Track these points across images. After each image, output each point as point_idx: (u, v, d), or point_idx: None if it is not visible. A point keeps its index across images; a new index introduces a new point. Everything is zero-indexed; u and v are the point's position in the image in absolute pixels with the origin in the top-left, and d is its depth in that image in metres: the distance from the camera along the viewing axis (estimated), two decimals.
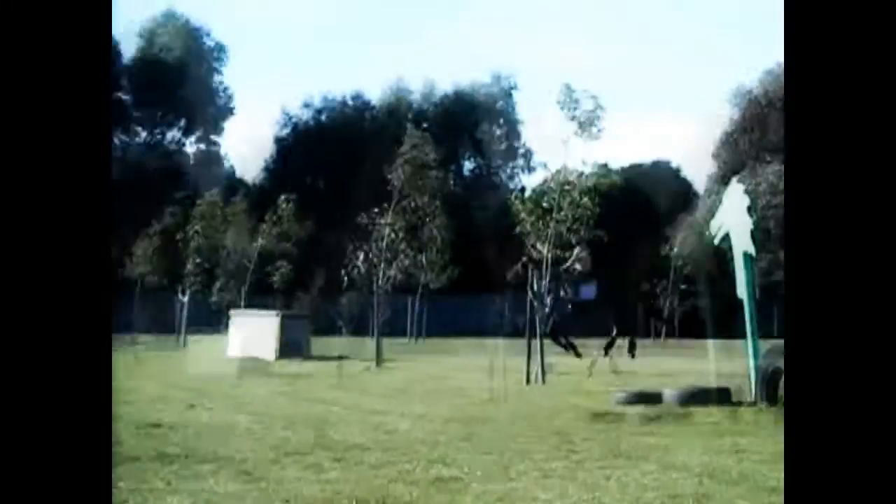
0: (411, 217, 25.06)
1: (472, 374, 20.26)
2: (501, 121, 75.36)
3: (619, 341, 25.65)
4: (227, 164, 75.84)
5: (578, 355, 23.51)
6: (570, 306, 25.24)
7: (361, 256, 25.13)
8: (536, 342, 18.14)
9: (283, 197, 38.66)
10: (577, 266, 23.30)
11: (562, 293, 24.04)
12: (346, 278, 27.42)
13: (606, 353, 24.26)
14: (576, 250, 23.95)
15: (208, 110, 74.31)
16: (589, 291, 25.16)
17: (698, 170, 69.59)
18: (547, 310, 20.79)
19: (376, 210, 24.81)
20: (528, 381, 17.61)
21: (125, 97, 73.89)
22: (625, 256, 54.45)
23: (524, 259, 24.52)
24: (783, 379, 12.68)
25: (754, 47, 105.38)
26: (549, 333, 23.87)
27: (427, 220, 25.50)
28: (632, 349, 25.40)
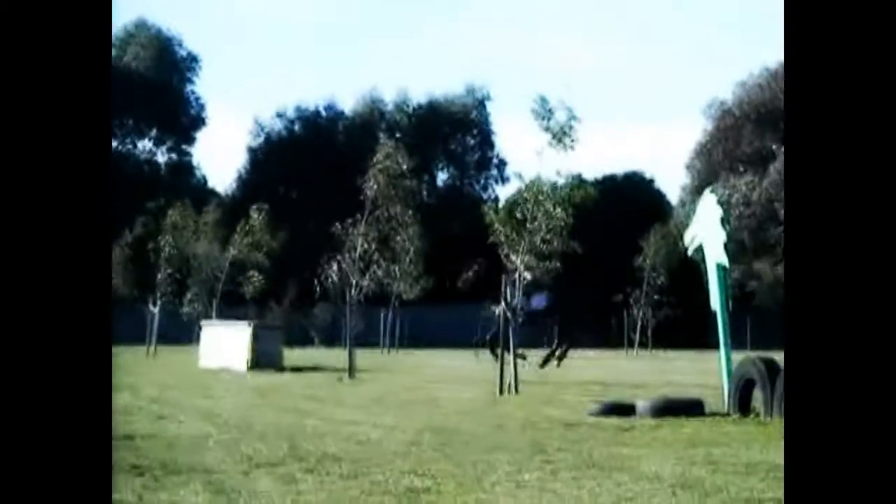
0: (384, 227, 25.03)
1: (445, 385, 20.28)
2: (475, 131, 75.61)
3: (558, 351, 26.37)
4: (198, 174, 75.61)
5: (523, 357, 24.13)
6: (522, 315, 25.65)
7: (334, 267, 25.05)
8: (509, 353, 18.15)
9: (254, 206, 38.58)
10: (527, 275, 23.74)
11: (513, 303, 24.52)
12: (318, 289, 27.35)
13: (544, 364, 24.97)
14: (524, 259, 24.39)
15: (180, 120, 74.10)
16: (540, 301, 25.57)
17: (672, 180, 70.15)
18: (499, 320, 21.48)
19: (349, 220, 24.78)
20: (501, 391, 17.61)
21: None
22: (599, 268, 54.72)
23: (475, 267, 24.91)
24: (756, 390, 12.76)
25: (733, 56, 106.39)
26: (489, 343, 24.52)
27: (400, 230, 25.46)
28: (560, 357, 25.91)
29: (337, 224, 25.01)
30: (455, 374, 24.64)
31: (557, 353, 26.17)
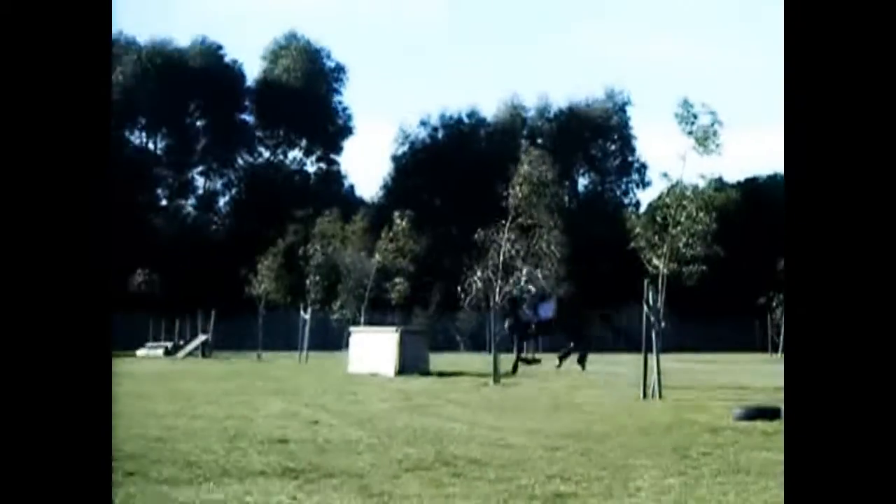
0: (527, 233, 25.15)
1: (588, 389, 20.28)
2: (616, 136, 75.10)
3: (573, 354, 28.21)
4: (346, 183, 77.17)
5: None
6: (532, 326, 26.36)
7: (478, 272, 25.32)
8: (652, 356, 18.07)
9: (397, 213, 39.13)
10: (531, 287, 24.29)
11: (522, 314, 25.24)
12: (462, 295, 27.67)
13: (560, 364, 27.05)
14: (524, 270, 24.93)
15: (328, 130, 75.77)
16: (547, 310, 26.10)
17: None
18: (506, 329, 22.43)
19: (492, 226, 24.99)
20: (644, 395, 17.57)
21: (249, 118, 76.04)
22: (740, 271, 53.66)
23: (509, 295, 25.67)
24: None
25: None
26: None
27: (543, 236, 25.52)
28: (580, 359, 27.68)
29: (480, 230, 25.26)
30: (598, 378, 24.59)
31: (572, 355, 27.95)
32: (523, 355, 27.98)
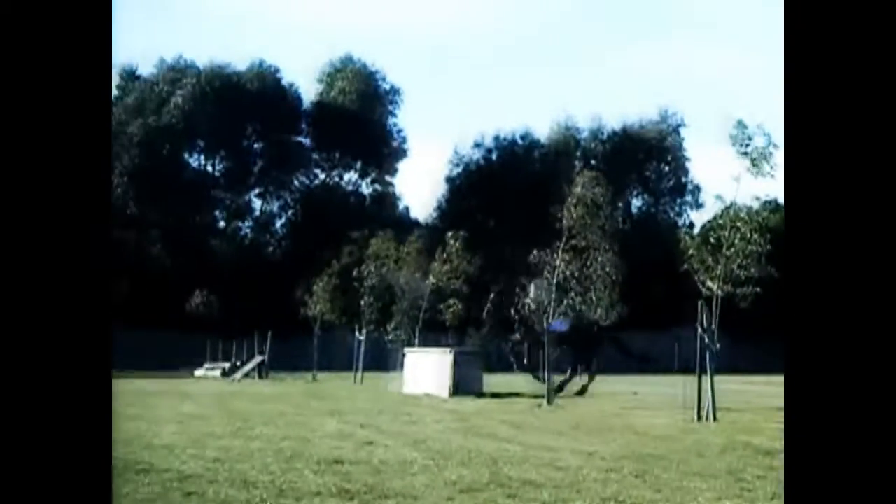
0: (581, 255, 25.16)
1: (642, 411, 20.23)
2: (669, 157, 74.78)
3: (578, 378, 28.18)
4: (400, 205, 77.56)
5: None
6: (542, 336, 26.28)
7: (531, 294, 25.36)
8: (707, 378, 18.00)
9: (450, 234, 39.22)
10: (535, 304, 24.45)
11: (536, 326, 25.26)
12: (516, 316, 27.69)
13: (559, 391, 25.89)
14: (532, 286, 25.02)
15: (383, 152, 76.25)
16: (560, 325, 26.00)
17: None
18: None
19: (546, 248, 25.02)
20: (698, 417, 17.50)
21: (305, 141, 76.80)
22: None
23: (517, 337, 26.05)
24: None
25: None
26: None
27: (597, 258, 25.50)
28: (582, 389, 27.47)
29: (534, 251, 25.30)
30: (652, 400, 24.51)
31: (576, 380, 27.73)
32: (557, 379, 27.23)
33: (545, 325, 24.65)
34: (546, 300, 24.40)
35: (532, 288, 26.08)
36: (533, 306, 25.30)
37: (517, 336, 29.37)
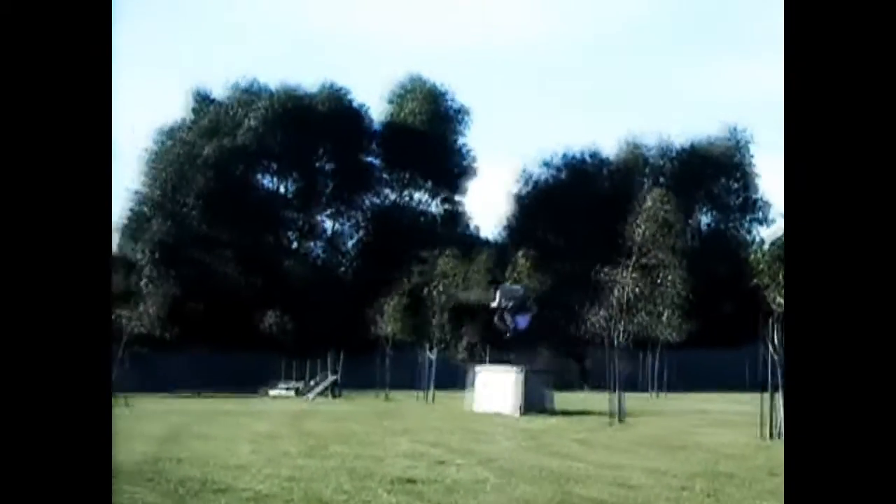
0: (650, 272, 25.13)
1: (712, 429, 20.11)
2: (738, 174, 74.03)
3: None
4: (469, 224, 77.77)
5: None
6: (507, 334, 26.37)
7: (600, 311, 25.37)
8: (778, 395, 17.86)
9: (520, 252, 39.33)
10: (507, 301, 24.52)
11: (500, 322, 25.42)
12: (585, 333, 27.71)
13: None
14: (498, 292, 26.19)
15: (452, 171, 76.59)
16: (523, 321, 26.19)
17: None
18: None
19: (614, 265, 25.03)
20: (770, 435, 17.38)
21: (375, 161, 77.45)
22: None
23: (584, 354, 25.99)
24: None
25: None
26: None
27: (667, 275, 25.47)
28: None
29: (603, 269, 25.32)
30: (721, 418, 24.33)
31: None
32: None
33: (615, 342, 24.63)
34: (610, 316, 24.37)
35: (498, 294, 26.72)
36: (602, 323, 25.21)
37: (584, 353, 29.59)
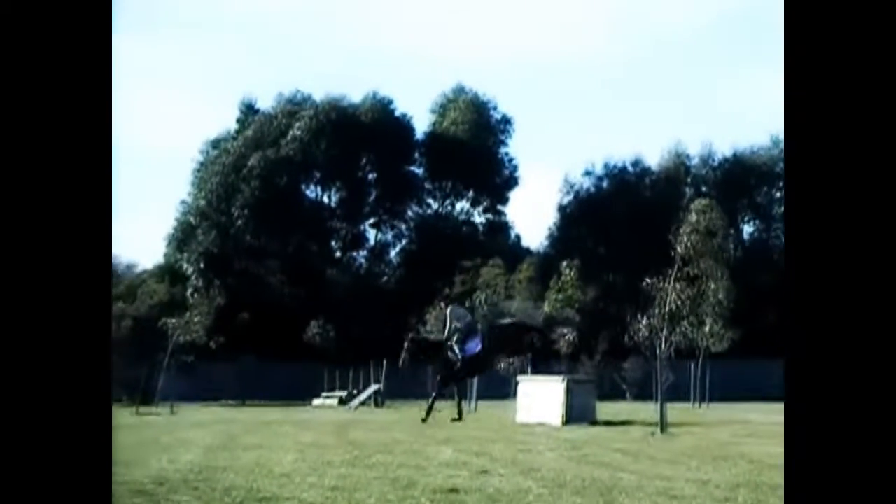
0: (693, 282, 25.01)
1: (757, 439, 19.95)
2: (781, 183, 73.58)
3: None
4: (512, 233, 77.80)
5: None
6: (458, 364, 26.43)
7: (644, 321, 25.29)
8: None
9: (565, 263, 39.30)
10: (458, 324, 24.61)
11: (449, 353, 25.47)
12: (628, 343, 27.62)
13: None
14: (449, 311, 26.74)
15: (495, 181, 76.68)
16: (474, 346, 26.52)
17: None
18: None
19: (658, 275, 24.94)
20: None
21: (418, 171, 77.75)
22: None
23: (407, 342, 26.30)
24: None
25: None
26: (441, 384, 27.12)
27: (711, 285, 25.36)
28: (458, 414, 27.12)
29: (647, 279, 25.24)
30: (764, 428, 24.12)
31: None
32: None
33: (658, 352, 24.54)
34: (653, 326, 24.28)
35: (448, 313, 27.12)
36: (646, 333, 25.15)
37: (626, 363, 29.45)
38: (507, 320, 32.43)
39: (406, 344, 28.37)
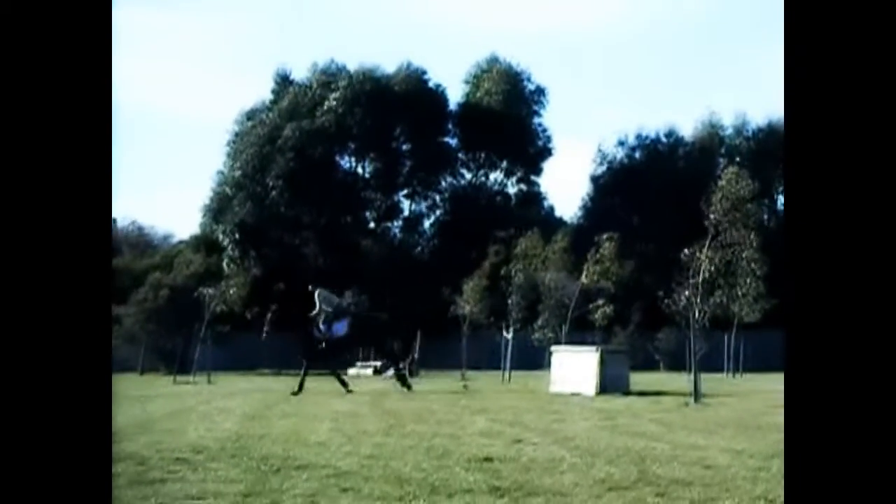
0: (726, 251, 24.88)
1: None
2: None
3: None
4: (546, 204, 77.58)
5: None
6: (323, 343, 26.80)
7: (678, 291, 25.20)
8: None
9: (605, 236, 39.18)
10: (326, 307, 25.07)
11: (315, 331, 25.92)
12: (662, 313, 27.54)
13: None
14: (317, 293, 27.40)
15: (528, 151, 76.40)
16: (340, 328, 27.62)
17: None
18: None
19: (692, 245, 24.85)
20: None
21: (452, 141, 77.61)
22: None
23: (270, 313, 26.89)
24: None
25: None
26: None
27: (743, 253, 25.21)
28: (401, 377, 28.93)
29: (679, 249, 25.16)
30: None
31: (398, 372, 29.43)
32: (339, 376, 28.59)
33: (692, 322, 24.48)
34: (687, 297, 24.19)
35: (316, 295, 27.92)
36: (684, 302, 25.08)
37: (660, 334, 29.47)
38: (376, 314, 34.25)
39: (269, 315, 29.37)
